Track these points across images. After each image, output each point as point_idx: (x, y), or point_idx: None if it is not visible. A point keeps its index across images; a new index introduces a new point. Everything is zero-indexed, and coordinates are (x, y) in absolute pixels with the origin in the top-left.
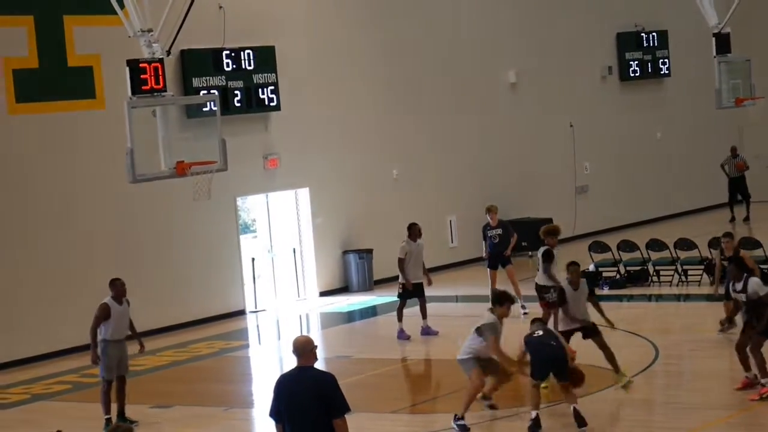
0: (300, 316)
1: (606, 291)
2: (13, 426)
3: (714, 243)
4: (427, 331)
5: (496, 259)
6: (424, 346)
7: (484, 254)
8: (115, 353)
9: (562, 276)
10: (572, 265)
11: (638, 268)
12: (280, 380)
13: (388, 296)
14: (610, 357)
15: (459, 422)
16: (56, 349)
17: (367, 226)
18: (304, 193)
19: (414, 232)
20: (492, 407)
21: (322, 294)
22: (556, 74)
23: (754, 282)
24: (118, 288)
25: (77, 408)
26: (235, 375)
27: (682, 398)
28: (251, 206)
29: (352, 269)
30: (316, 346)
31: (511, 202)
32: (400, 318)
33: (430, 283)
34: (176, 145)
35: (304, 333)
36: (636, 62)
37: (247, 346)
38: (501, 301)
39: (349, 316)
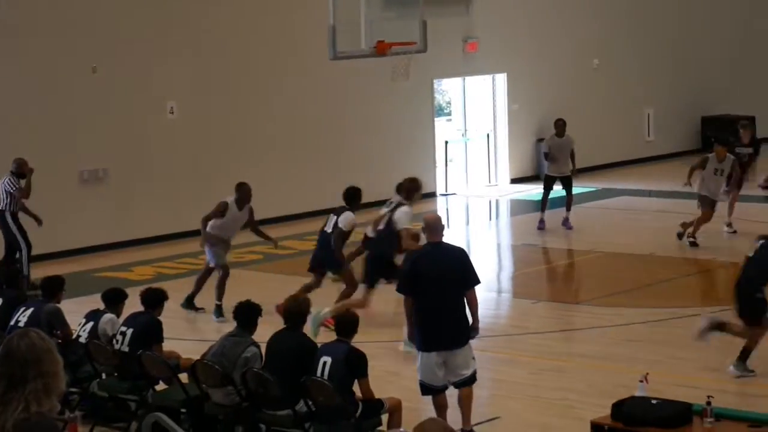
0: (490, 202)
1: None
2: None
3: None
4: (565, 224)
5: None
6: (615, 238)
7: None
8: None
9: None
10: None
11: None
12: (414, 259)
13: (580, 187)
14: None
15: None
16: None
17: (564, 114)
18: (501, 79)
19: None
20: None
21: (514, 181)
22: None
23: None
24: (243, 193)
25: (267, 278)
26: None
27: None
28: (447, 89)
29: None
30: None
31: None
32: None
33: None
34: (377, 25)
35: (493, 219)
36: None
37: None
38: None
39: (539, 205)
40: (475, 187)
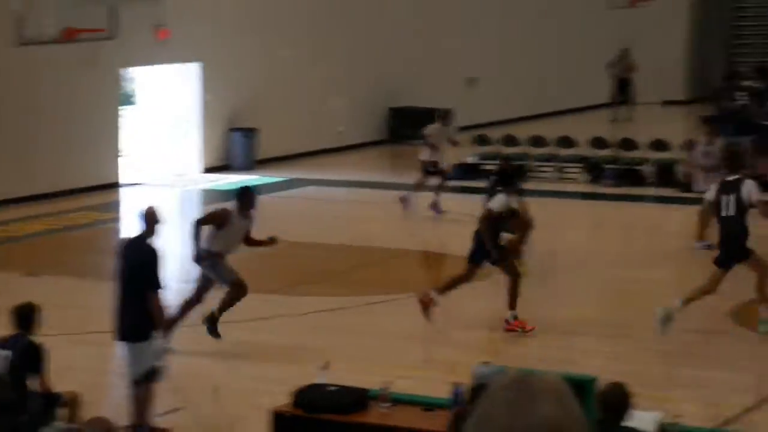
0: (180, 192)
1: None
2: None
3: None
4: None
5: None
6: (301, 228)
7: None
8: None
9: None
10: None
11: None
12: (120, 243)
13: (270, 177)
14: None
15: None
16: None
17: (255, 105)
18: (194, 68)
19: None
20: None
21: (205, 171)
22: None
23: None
24: (246, 199)
25: None
26: (109, 247)
27: None
28: (136, 77)
29: (237, 147)
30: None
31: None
32: None
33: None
34: (66, 11)
35: (182, 210)
36: None
37: (118, 219)
38: None
39: (230, 195)
40: (165, 177)
